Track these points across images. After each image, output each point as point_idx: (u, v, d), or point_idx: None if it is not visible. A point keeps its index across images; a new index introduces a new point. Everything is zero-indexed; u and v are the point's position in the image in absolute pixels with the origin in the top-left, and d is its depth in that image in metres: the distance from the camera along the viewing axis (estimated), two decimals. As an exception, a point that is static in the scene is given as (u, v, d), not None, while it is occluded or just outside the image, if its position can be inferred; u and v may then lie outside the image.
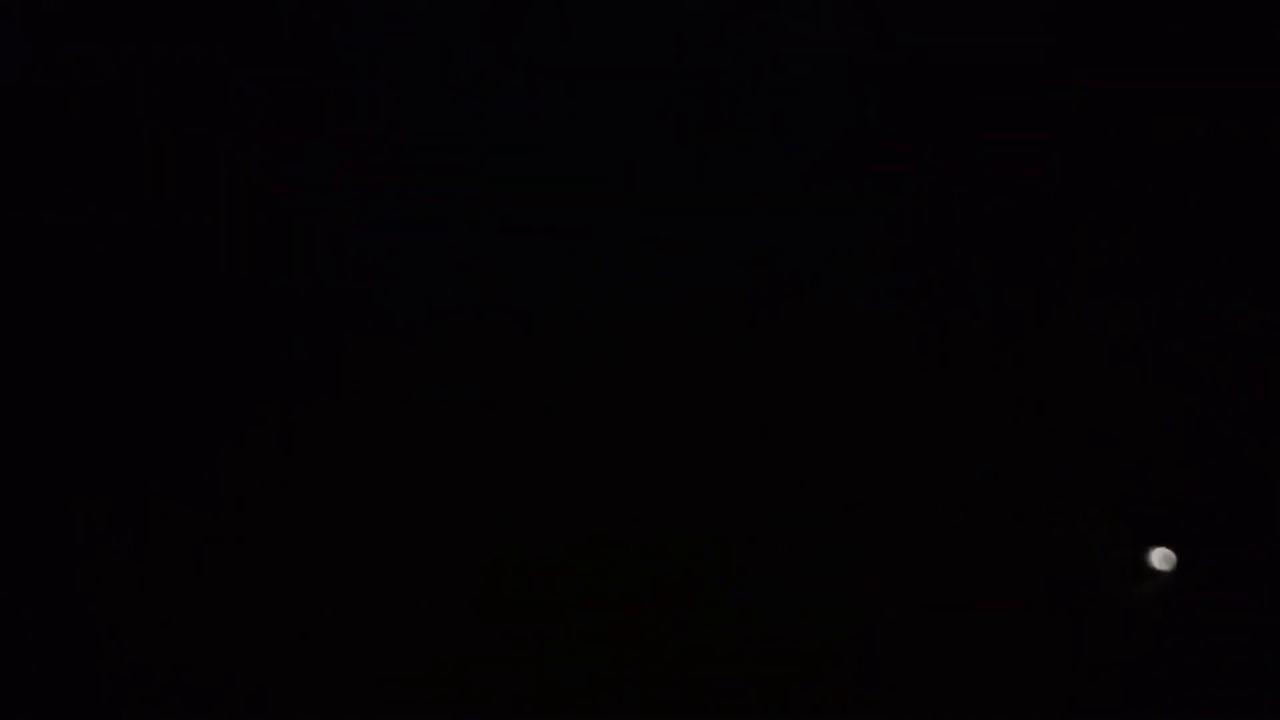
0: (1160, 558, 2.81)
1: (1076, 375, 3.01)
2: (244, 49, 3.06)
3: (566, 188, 3.09)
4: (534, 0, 3.09)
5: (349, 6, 3.11)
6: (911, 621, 2.84)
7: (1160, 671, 2.79)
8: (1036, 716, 2.79)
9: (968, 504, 2.93)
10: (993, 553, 2.89)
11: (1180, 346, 3.00)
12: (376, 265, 3.04)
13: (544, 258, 3.07)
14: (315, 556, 2.87)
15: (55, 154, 3.01)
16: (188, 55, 3.00)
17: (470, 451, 2.98)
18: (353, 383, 2.97)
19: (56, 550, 2.82)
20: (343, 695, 2.84)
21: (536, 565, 2.94)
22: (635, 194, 3.05)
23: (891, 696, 2.80)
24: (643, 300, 3.04)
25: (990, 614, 2.84)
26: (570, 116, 3.07)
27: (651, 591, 2.94)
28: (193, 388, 2.96)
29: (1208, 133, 3.06)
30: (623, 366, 3.02)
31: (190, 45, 3.00)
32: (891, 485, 2.96)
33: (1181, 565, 2.84)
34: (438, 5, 3.11)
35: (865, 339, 3.04)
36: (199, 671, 2.79)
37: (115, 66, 2.99)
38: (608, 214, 3.05)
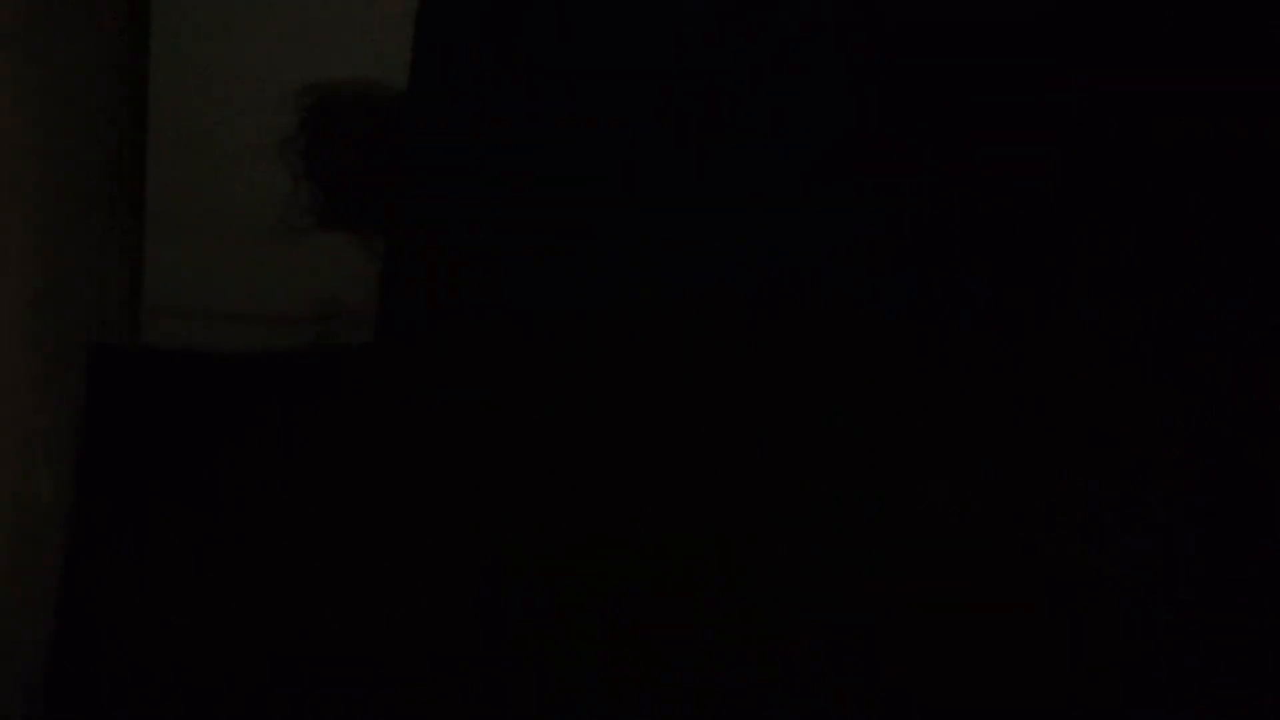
0: None
1: (1077, 375, 3.02)
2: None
3: (564, 188, 3.09)
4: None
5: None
6: (912, 622, 2.84)
7: (1160, 672, 2.79)
8: (1036, 716, 2.79)
9: (968, 504, 2.94)
10: (993, 553, 2.90)
11: (1179, 346, 3.00)
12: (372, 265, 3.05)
13: (542, 257, 3.07)
14: (315, 556, 2.87)
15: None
16: None
17: (469, 451, 2.98)
18: (353, 384, 2.97)
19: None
20: (341, 694, 2.85)
21: (537, 565, 2.94)
22: (634, 194, 3.05)
23: (892, 697, 2.80)
24: (643, 301, 3.04)
25: (990, 614, 2.85)
26: (567, 117, 3.07)
27: (652, 591, 2.94)
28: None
29: (1208, 133, 3.06)
30: (622, 366, 3.02)
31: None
32: (892, 485, 2.96)
33: (1181, 566, 2.84)
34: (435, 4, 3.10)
35: (865, 339, 3.05)
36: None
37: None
38: (607, 214, 3.05)
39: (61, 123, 2.02)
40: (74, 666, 2.38)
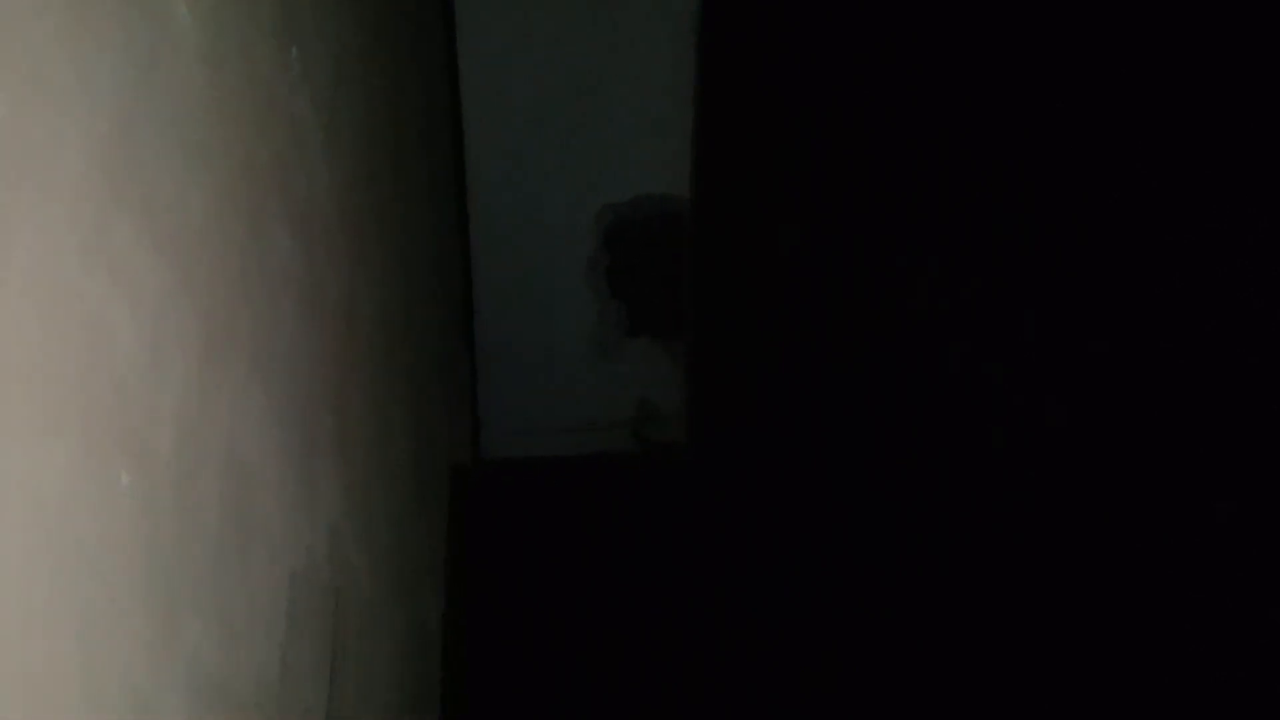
0: None
1: (1074, 374, 3.01)
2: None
3: (833, 296, 3.12)
4: None
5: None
6: (911, 621, 2.83)
7: (1160, 673, 2.78)
8: (1037, 716, 2.78)
9: (967, 503, 2.93)
10: (992, 553, 2.88)
11: (1179, 347, 2.99)
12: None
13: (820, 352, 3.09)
14: (638, 637, 2.92)
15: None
16: None
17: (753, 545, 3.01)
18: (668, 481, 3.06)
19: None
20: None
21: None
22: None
23: (892, 696, 2.80)
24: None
25: (989, 615, 2.84)
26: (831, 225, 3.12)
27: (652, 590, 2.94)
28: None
29: (1207, 132, 3.05)
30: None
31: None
32: (890, 484, 2.95)
33: (1181, 567, 2.83)
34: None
35: (862, 333, 3.05)
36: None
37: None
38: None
39: (414, 284, 2.17)
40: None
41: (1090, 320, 3.06)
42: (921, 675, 2.79)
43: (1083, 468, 2.95)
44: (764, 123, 3.11)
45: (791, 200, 3.15)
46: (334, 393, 1.37)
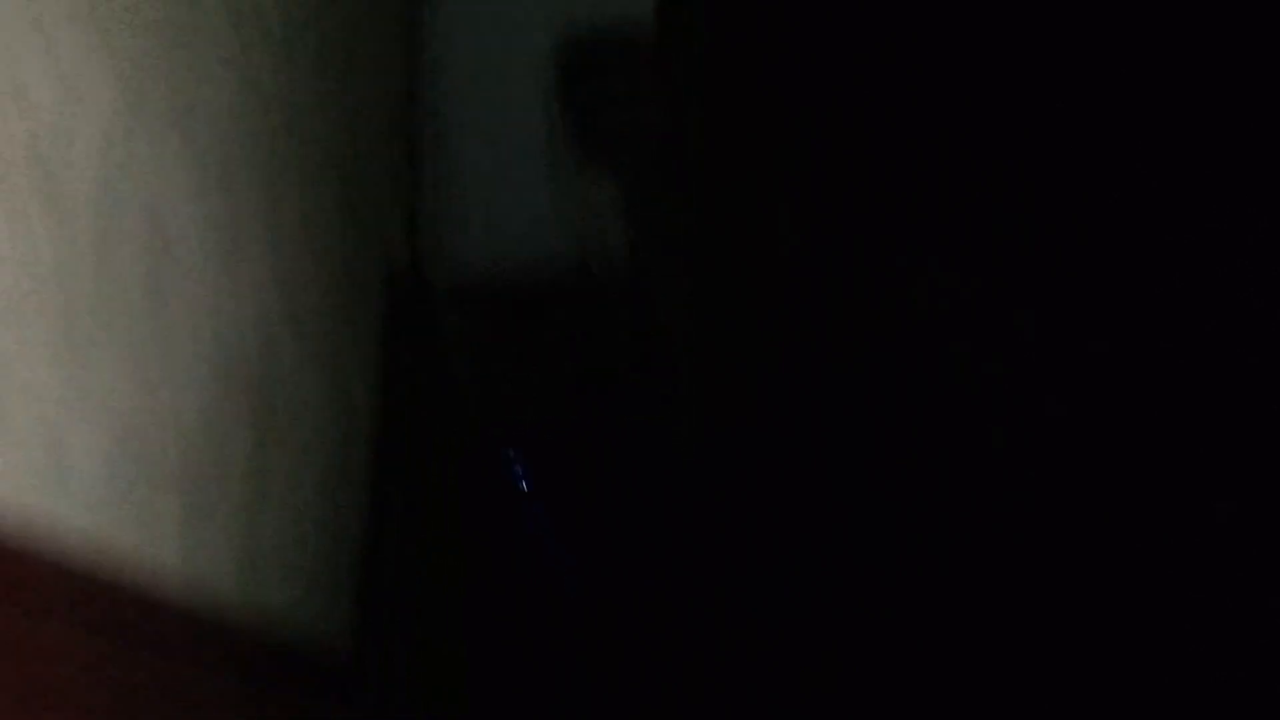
0: None
1: (1074, 374, 3.02)
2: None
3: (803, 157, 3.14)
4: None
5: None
6: (911, 621, 2.83)
7: (1160, 672, 2.77)
8: (1037, 716, 2.77)
9: (966, 503, 2.93)
10: (991, 553, 2.88)
11: (1179, 346, 3.00)
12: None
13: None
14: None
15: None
16: None
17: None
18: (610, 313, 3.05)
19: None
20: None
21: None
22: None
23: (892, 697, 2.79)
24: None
25: (988, 615, 2.83)
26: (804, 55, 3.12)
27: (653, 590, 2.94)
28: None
29: (1207, 132, 3.07)
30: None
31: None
32: (888, 484, 2.96)
33: (1181, 567, 2.82)
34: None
35: (862, 333, 3.06)
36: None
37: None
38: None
39: (357, 93, 2.20)
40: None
41: (1090, 320, 3.07)
42: (920, 673, 2.78)
43: (1083, 467, 2.95)
44: (764, 121, 3.15)
45: (791, 200, 3.17)
46: (265, 172, 1.39)
